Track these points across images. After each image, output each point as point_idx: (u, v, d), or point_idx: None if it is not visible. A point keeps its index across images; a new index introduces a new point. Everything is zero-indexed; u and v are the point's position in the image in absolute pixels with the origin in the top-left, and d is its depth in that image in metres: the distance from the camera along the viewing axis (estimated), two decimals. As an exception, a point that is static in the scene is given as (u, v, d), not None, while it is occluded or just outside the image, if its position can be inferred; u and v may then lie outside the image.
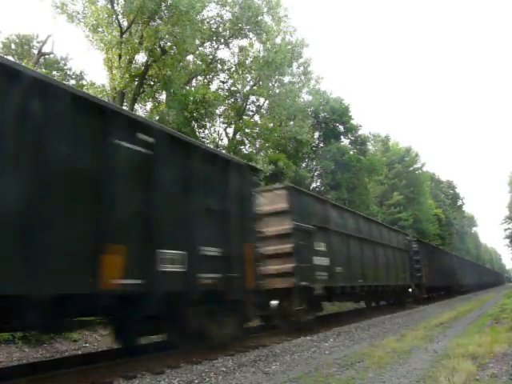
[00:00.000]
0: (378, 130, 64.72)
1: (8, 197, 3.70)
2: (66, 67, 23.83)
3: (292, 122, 22.72)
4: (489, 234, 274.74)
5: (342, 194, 25.05)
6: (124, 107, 15.79)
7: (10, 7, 53.79)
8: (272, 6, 19.86)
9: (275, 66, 19.20)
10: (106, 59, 14.75)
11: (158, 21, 14.85)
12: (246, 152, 21.49)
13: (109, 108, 5.16)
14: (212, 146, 20.34)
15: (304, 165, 26.40)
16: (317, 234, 9.92)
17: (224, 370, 5.33)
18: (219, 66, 20.82)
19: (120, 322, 5.82)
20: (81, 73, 23.59)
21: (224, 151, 20.07)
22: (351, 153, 28.15)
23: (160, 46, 15.54)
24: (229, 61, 20.89)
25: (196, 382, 4.79)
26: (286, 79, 22.09)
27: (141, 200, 5.19)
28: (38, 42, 21.82)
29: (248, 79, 20.92)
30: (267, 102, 21.83)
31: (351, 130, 28.74)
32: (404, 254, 17.76)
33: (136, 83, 15.99)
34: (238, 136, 21.76)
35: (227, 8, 19.01)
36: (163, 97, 18.32)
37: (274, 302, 9.07)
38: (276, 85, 21.23)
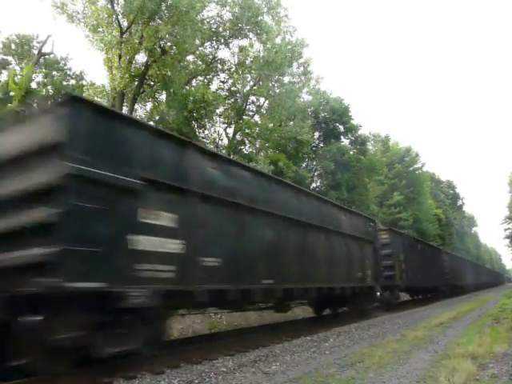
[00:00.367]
0: (377, 130, 64.71)
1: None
2: (65, 67, 23.78)
3: (292, 122, 22.72)
4: (489, 234, 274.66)
5: (341, 194, 25.03)
6: (124, 107, 15.83)
7: (10, 7, 53.80)
8: (272, 5, 19.86)
9: (275, 66, 19.20)
10: (105, 59, 14.75)
11: (158, 21, 14.84)
12: (245, 152, 21.51)
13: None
14: (212, 146, 20.39)
15: (304, 165, 26.38)
16: (150, 195, 5.38)
17: (224, 370, 5.33)
18: (219, 65, 20.82)
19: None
20: (81, 73, 23.53)
21: (224, 151, 20.10)
22: (351, 153, 28.11)
23: (160, 46, 15.54)
24: (229, 61, 20.91)
25: (196, 382, 4.79)
26: (286, 79, 22.11)
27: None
28: (38, 42, 21.80)
29: (248, 79, 20.92)
30: (267, 101, 21.84)
31: (351, 129, 28.71)
32: (365, 245, 13.06)
33: (136, 83, 15.99)
34: (237, 136, 21.76)
35: (227, 8, 19.02)
36: (163, 97, 18.33)
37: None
38: (276, 85, 21.23)
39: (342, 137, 28.90)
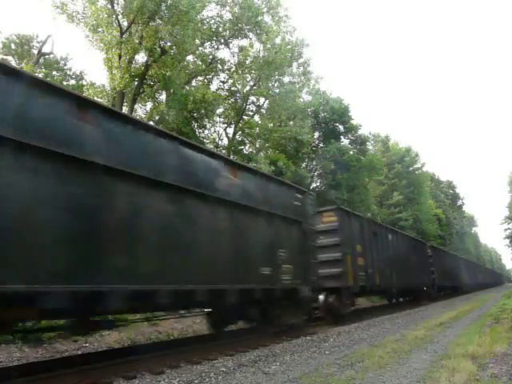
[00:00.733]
0: (377, 130, 64.66)
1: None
2: (65, 67, 23.81)
3: (292, 122, 22.72)
4: (489, 234, 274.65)
5: (342, 193, 25.04)
6: (124, 107, 15.82)
7: (10, 7, 53.80)
8: (272, 5, 19.86)
9: (275, 66, 19.21)
10: (105, 59, 14.74)
11: (158, 21, 14.84)
12: (246, 152, 21.52)
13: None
14: (212, 146, 20.41)
15: (304, 165, 26.39)
16: None
17: (224, 370, 5.33)
18: (219, 66, 20.83)
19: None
20: (81, 73, 23.58)
21: (224, 151, 20.11)
22: (351, 153, 28.13)
23: (160, 46, 15.53)
24: (229, 61, 20.92)
25: (196, 382, 4.79)
26: (286, 79, 22.12)
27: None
28: (38, 42, 21.83)
29: (248, 79, 20.92)
30: (267, 101, 21.84)
31: (351, 129, 28.72)
32: (284, 226, 8.70)
33: (136, 83, 15.99)
34: (237, 136, 21.77)
35: (227, 8, 19.03)
36: (163, 97, 18.33)
37: None
38: (276, 85, 21.24)
39: (341, 137, 28.91)
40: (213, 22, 19.12)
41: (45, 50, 18.70)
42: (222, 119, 21.40)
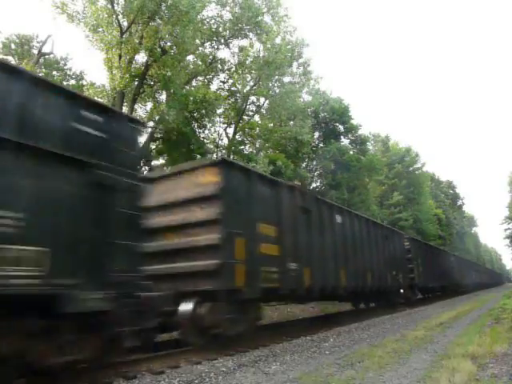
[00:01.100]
0: (377, 130, 64.61)
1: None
2: (65, 67, 23.82)
3: (292, 122, 22.73)
4: (489, 234, 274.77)
5: (342, 194, 25.05)
6: (124, 107, 15.83)
7: (10, 7, 53.83)
8: (272, 5, 19.87)
9: (275, 66, 19.20)
10: (106, 59, 14.75)
11: (158, 21, 14.85)
12: (246, 152, 21.52)
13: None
14: (212, 147, 20.43)
15: (304, 165, 26.41)
16: None
17: (224, 370, 5.33)
18: (219, 66, 20.84)
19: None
20: (81, 73, 23.59)
21: (224, 151, 20.12)
22: (351, 153, 28.15)
23: (160, 46, 15.54)
24: (229, 61, 20.93)
25: (196, 382, 4.79)
26: (286, 79, 22.12)
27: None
28: (38, 42, 21.83)
29: (248, 79, 20.92)
30: (267, 101, 21.85)
31: (351, 129, 28.75)
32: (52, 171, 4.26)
33: (136, 83, 15.99)
34: (237, 136, 21.78)
35: (227, 8, 19.03)
36: (163, 97, 18.33)
37: None
38: (276, 85, 21.24)
39: (341, 137, 28.96)
40: (213, 22, 19.13)
41: (45, 49, 18.73)
42: (222, 119, 21.43)
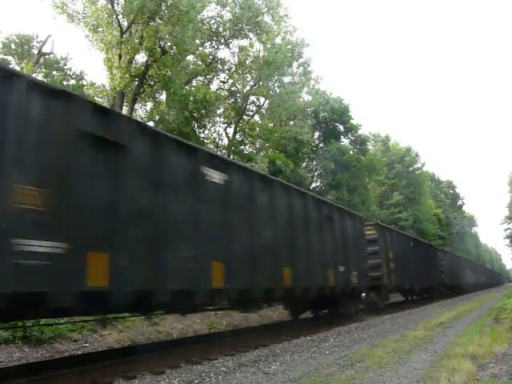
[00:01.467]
0: (378, 130, 64.63)
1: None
2: (65, 67, 23.82)
3: (292, 122, 22.73)
4: (489, 234, 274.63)
5: (342, 194, 25.04)
6: (124, 107, 15.83)
7: (10, 7, 53.79)
8: (272, 6, 19.86)
9: (275, 65, 19.20)
10: (106, 59, 14.75)
11: (158, 21, 14.84)
12: (246, 152, 21.51)
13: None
14: (212, 146, 20.42)
15: (304, 165, 26.40)
16: None
17: (224, 370, 5.33)
18: (219, 66, 20.83)
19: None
20: (81, 73, 23.59)
21: (224, 151, 20.11)
22: (351, 153, 28.14)
23: (160, 46, 15.53)
24: (229, 61, 20.92)
25: (196, 382, 4.79)
26: (286, 79, 22.12)
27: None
28: (38, 42, 21.84)
29: (248, 79, 20.92)
30: (267, 101, 21.85)
31: (351, 129, 28.75)
32: None
33: (136, 83, 15.98)
34: (238, 136, 21.77)
35: (227, 8, 19.03)
36: (163, 97, 18.33)
37: None
38: (276, 85, 21.24)
39: (341, 137, 28.95)
40: (213, 22, 19.13)
41: (45, 49, 18.74)
42: (222, 119, 21.42)
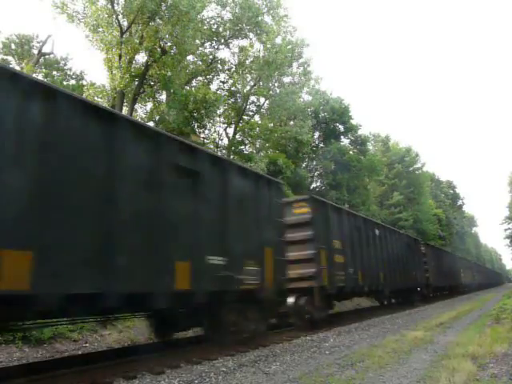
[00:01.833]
0: (378, 130, 64.70)
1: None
2: (66, 67, 23.84)
3: (292, 122, 22.74)
4: (489, 234, 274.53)
5: (342, 194, 25.04)
6: (124, 107, 15.82)
7: (10, 7, 53.81)
8: (272, 6, 19.87)
9: (275, 65, 19.21)
10: (106, 59, 14.75)
11: (158, 21, 14.84)
12: (246, 152, 21.52)
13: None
14: (212, 147, 20.42)
15: (304, 165, 26.41)
16: None
17: (224, 370, 5.33)
18: (219, 66, 20.84)
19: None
20: (81, 73, 23.61)
21: (224, 151, 20.11)
22: (351, 153, 28.15)
23: (160, 46, 15.54)
24: (229, 61, 20.94)
25: (196, 382, 4.79)
26: (286, 79, 22.13)
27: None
28: (38, 42, 21.86)
29: (248, 79, 20.93)
30: (267, 102, 21.85)
31: (351, 129, 28.76)
32: None
33: (136, 83, 15.98)
34: (238, 136, 21.77)
35: (227, 8, 19.04)
36: (163, 97, 18.33)
37: None
38: (276, 85, 21.25)
39: (342, 137, 28.97)
40: (213, 22, 19.15)
41: (45, 50, 18.76)
42: (222, 119, 21.43)
